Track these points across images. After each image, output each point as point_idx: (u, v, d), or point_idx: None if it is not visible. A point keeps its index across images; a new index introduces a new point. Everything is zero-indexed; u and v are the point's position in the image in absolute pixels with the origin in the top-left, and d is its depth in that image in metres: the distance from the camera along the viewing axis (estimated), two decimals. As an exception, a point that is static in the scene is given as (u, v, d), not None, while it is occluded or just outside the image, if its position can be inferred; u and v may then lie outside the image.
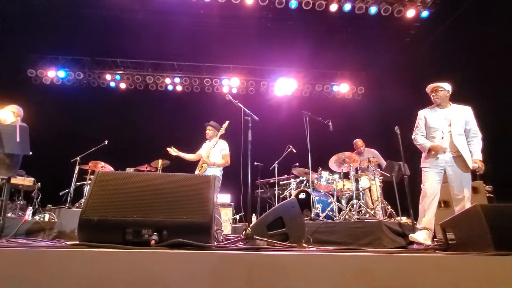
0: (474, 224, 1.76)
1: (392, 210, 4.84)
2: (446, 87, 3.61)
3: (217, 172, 4.47)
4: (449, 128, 3.46)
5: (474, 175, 4.03)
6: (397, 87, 7.73)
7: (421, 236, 3.14)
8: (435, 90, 3.62)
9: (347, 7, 6.57)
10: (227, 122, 4.52)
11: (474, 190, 4.11)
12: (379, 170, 5.34)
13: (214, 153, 4.53)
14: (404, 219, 4.54)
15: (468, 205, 3.16)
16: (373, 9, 6.59)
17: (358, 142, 6.03)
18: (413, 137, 3.71)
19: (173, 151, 4.65)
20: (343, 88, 9.14)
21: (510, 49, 5.38)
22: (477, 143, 3.43)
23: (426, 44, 7.43)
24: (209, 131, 4.78)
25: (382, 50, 7.75)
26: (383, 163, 5.63)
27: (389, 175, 5.20)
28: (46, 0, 6.64)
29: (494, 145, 5.34)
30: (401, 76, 7.75)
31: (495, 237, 1.62)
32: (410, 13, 6.66)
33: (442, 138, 3.46)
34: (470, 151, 3.39)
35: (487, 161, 3.58)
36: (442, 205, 3.85)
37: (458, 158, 3.34)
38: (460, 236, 1.96)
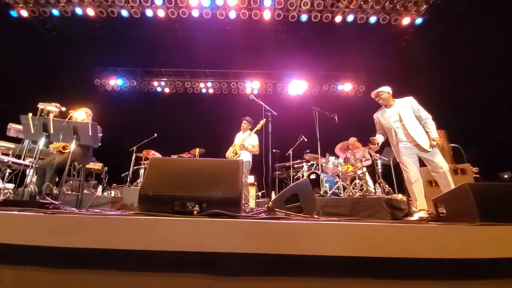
0: (463, 199, 1.68)
1: (389, 188, 4.71)
2: (386, 89, 3.45)
3: (249, 157, 4.53)
4: (401, 122, 3.26)
5: (463, 158, 3.84)
6: (393, 85, 7.40)
7: (420, 215, 2.98)
8: (378, 95, 3.47)
9: (350, 18, 6.32)
10: (264, 120, 4.44)
11: (463, 171, 3.92)
12: (379, 155, 5.19)
13: (247, 144, 4.59)
14: (400, 196, 4.41)
15: (449, 176, 2.99)
16: (372, 19, 6.30)
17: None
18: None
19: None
20: (346, 87, 8.86)
21: (493, 50, 5.03)
22: (430, 123, 3.20)
23: (420, 47, 7.04)
24: (244, 124, 4.83)
25: (380, 53, 7.43)
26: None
27: (387, 159, 5.05)
28: (105, 24, 6.84)
29: (479, 133, 5.06)
30: (397, 75, 7.40)
31: (480, 210, 1.54)
32: (405, 20, 6.31)
33: (396, 134, 3.28)
34: (427, 132, 3.18)
35: (475, 147, 3.40)
36: (434, 184, 3.69)
37: (418, 145, 3.15)
38: (450, 209, 1.88)
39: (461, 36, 5.85)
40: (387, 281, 1.25)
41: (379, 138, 3.55)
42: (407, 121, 3.24)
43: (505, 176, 5.28)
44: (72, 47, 7.56)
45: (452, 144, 4.26)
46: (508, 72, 4.88)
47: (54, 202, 1.95)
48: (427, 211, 3.03)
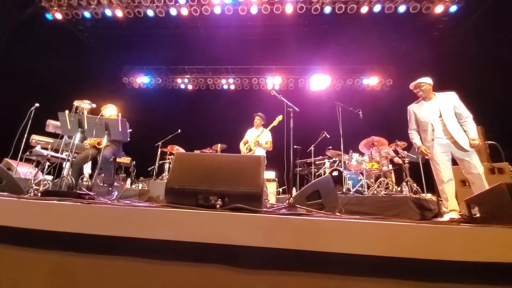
0: (499, 200, 1.57)
1: (417, 187, 4.50)
2: (428, 81, 3.21)
3: (263, 153, 4.55)
4: (440, 117, 3.08)
5: (500, 157, 3.59)
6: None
7: (451, 216, 2.84)
8: (419, 86, 3.22)
9: (377, 8, 6.04)
10: (280, 116, 4.44)
11: (500, 170, 3.66)
12: (406, 152, 4.96)
13: (260, 140, 4.61)
14: (429, 196, 4.21)
15: (483, 178, 2.83)
16: (402, 8, 5.96)
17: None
18: (409, 133, 3.42)
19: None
20: (372, 81, 8.50)
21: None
22: (470, 122, 3.02)
23: (454, 37, 6.56)
24: (257, 120, 4.84)
25: (410, 45, 7.03)
26: None
27: (415, 157, 4.82)
28: (132, 24, 7.12)
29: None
30: (428, 68, 6.96)
31: (519, 213, 1.44)
32: (439, 8, 5.90)
33: (433, 130, 3.09)
34: (465, 131, 3.00)
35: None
36: (467, 184, 3.47)
37: (456, 143, 2.97)
38: (484, 211, 1.76)
39: (500, 24, 5.37)
40: (413, 282, 1.21)
41: (418, 138, 3.36)
42: (446, 117, 3.07)
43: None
44: (102, 47, 7.98)
45: (489, 141, 3.97)
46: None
47: (90, 193, 2.09)
48: (459, 212, 2.87)
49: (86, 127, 2.92)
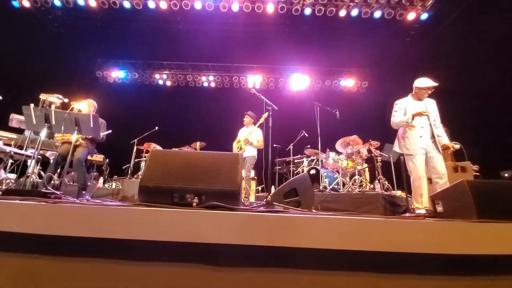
0: (460, 196, 1.69)
1: (389, 185, 4.72)
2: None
3: (254, 152, 4.55)
4: (428, 119, 3.32)
5: (463, 157, 3.85)
6: (396, 81, 7.33)
7: (423, 212, 3.02)
8: (431, 89, 3.38)
9: (354, 12, 6.24)
10: (266, 113, 4.44)
11: (463, 169, 3.92)
12: (379, 151, 5.18)
13: (251, 138, 4.61)
14: (399, 192, 4.43)
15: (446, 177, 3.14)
16: (377, 14, 6.21)
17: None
18: (392, 120, 3.44)
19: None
20: (349, 82, 8.79)
21: (500, 46, 4.95)
22: (442, 129, 3.38)
23: (425, 43, 6.95)
24: (246, 119, 4.85)
25: (384, 48, 7.34)
26: None
27: (387, 155, 5.05)
28: (107, 15, 6.79)
29: (482, 131, 5.03)
30: (401, 71, 7.33)
31: (478, 207, 1.55)
32: (411, 16, 6.22)
33: (422, 127, 3.30)
34: (440, 136, 3.30)
35: (478, 146, 3.47)
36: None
37: (435, 144, 3.23)
38: (447, 206, 1.88)
39: (468, 32, 5.76)
40: (383, 274, 1.27)
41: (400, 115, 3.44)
42: (432, 119, 3.33)
43: (506, 175, 5.26)
44: (74, 38, 7.51)
45: (454, 142, 4.24)
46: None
47: (56, 192, 1.97)
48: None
49: (53, 122, 2.73)
